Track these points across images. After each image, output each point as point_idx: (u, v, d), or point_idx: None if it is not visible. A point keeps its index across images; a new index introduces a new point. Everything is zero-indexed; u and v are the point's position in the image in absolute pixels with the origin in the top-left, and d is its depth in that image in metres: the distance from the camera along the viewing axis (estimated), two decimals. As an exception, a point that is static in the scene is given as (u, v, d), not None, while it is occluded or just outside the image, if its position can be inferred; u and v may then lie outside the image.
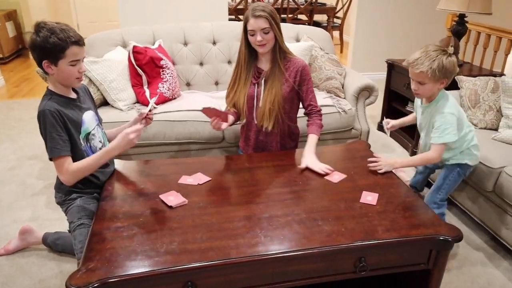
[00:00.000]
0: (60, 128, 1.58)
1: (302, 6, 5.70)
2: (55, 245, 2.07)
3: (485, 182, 2.10)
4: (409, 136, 3.22)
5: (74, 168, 1.60)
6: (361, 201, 1.63)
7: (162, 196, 1.62)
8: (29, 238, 2.12)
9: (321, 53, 2.90)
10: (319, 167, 1.84)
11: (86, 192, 1.74)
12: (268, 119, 2.04)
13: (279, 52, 2.01)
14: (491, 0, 2.89)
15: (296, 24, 3.67)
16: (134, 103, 2.64)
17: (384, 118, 2.27)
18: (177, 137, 2.52)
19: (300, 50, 2.79)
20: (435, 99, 1.90)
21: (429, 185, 2.36)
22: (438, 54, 1.78)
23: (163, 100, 2.63)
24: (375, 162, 1.88)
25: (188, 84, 3.00)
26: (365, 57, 4.82)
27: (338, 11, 6.30)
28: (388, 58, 3.37)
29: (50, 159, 1.60)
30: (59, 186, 1.75)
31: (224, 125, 1.99)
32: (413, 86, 1.89)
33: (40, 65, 1.59)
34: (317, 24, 5.94)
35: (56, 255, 2.09)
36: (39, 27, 1.54)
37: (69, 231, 1.68)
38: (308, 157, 1.92)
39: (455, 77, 2.57)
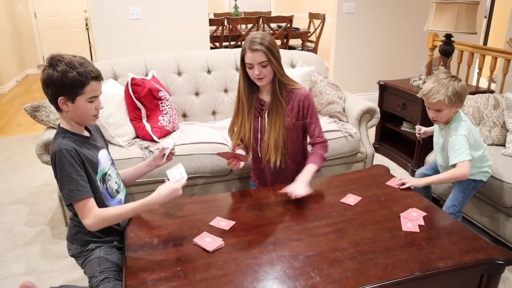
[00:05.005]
0: (80, 168, 1.44)
1: (277, 32, 5.75)
2: (64, 300, 1.86)
3: (504, 198, 2.11)
4: (407, 156, 3.24)
5: (103, 215, 1.45)
6: (403, 229, 1.58)
7: (197, 240, 1.49)
8: (31, 296, 1.89)
9: (320, 78, 2.88)
10: (296, 192, 1.74)
11: (106, 241, 1.58)
12: (275, 153, 1.95)
13: (279, 84, 1.90)
14: (475, 20, 3.01)
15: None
16: (134, 138, 2.48)
17: (417, 123, 2.31)
18: (183, 171, 2.38)
19: (300, 76, 2.76)
20: (450, 122, 1.99)
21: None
22: (449, 81, 1.89)
23: (165, 134, 2.49)
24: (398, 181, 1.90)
25: (184, 115, 2.89)
26: (347, 79, 4.88)
27: (311, 35, 6.41)
28: (379, 80, 3.41)
29: (69, 204, 1.44)
30: (73, 237, 1.59)
31: (242, 164, 1.90)
32: (430, 114, 1.98)
33: (54, 101, 1.44)
34: (292, 48, 6.00)
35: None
36: (55, 60, 1.41)
37: (91, 287, 1.50)
38: (296, 183, 1.80)
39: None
